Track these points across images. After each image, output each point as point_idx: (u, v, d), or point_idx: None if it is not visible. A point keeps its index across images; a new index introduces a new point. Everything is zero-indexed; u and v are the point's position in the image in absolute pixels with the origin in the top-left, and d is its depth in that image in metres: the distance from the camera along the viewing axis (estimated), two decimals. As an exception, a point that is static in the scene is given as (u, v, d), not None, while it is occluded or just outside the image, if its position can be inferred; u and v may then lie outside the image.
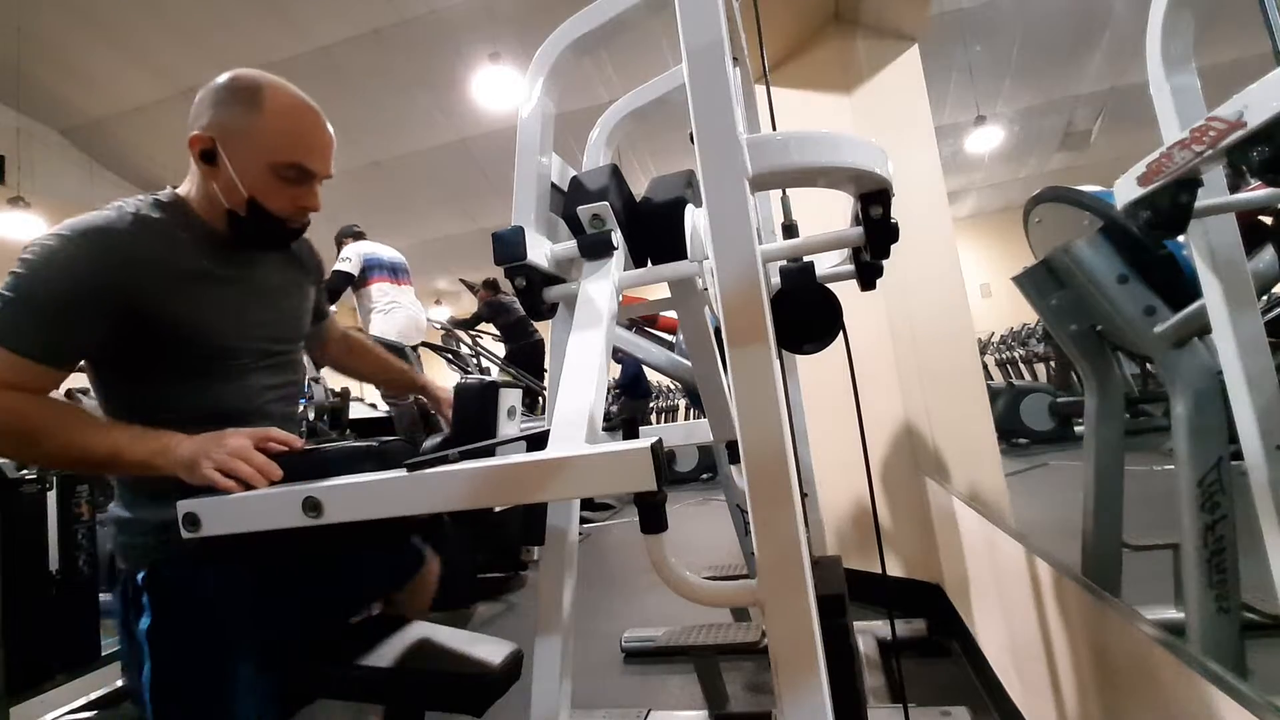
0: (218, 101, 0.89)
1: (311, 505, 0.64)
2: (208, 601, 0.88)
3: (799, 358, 1.76)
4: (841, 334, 0.96)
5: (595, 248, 0.83)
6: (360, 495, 0.65)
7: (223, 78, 0.90)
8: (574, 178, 0.92)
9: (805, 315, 0.93)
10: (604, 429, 0.78)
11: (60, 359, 0.83)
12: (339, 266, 3.69)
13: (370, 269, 3.73)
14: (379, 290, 3.72)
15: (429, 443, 0.92)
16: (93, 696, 2.48)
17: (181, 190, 0.95)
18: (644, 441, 0.57)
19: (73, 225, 0.83)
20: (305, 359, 1.18)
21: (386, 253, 3.87)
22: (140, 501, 0.93)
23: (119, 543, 0.93)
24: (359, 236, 3.99)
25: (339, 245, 3.86)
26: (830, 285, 0.97)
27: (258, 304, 0.98)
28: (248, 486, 0.73)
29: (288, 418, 1.07)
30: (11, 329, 0.79)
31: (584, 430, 0.64)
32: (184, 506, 0.69)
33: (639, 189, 0.94)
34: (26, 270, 0.80)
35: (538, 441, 0.74)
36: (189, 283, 0.89)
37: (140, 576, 0.89)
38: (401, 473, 0.63)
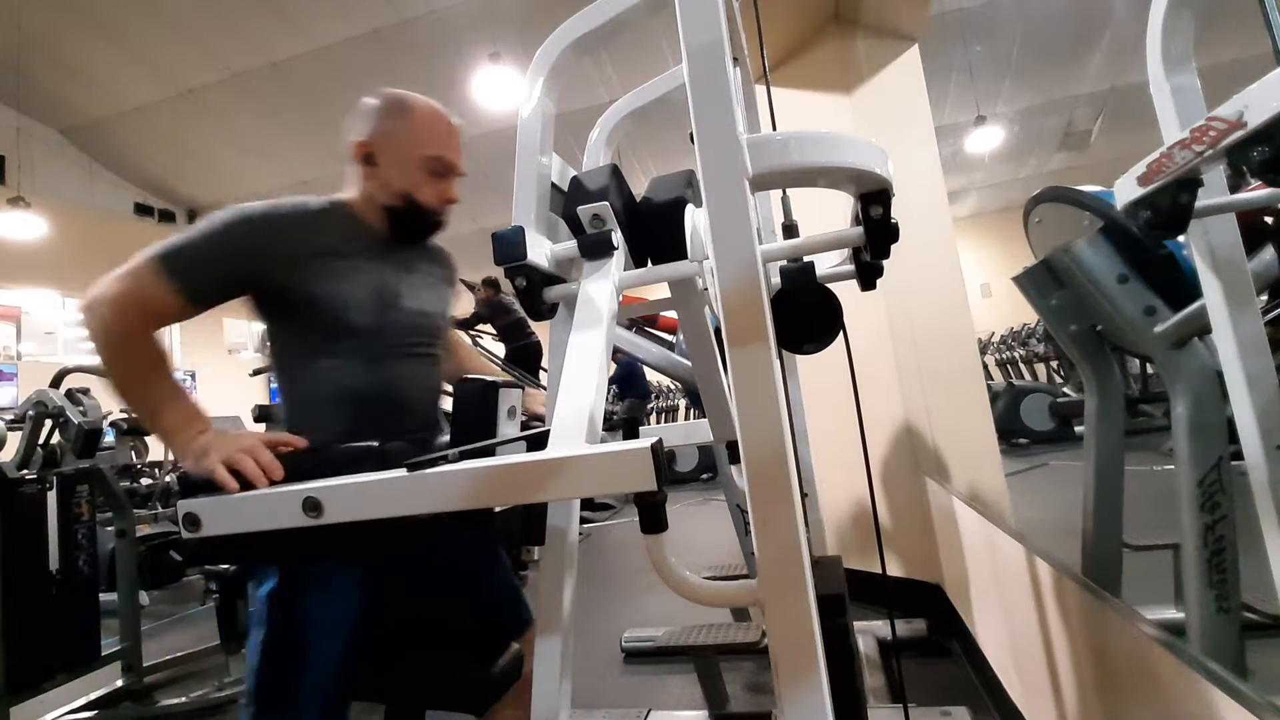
0: (373, 114, 1.05)
1: (311, 505, 0.64)
2: (327, 581, 0.94)
3: (799, 357, 1.76)
4: (842, 334, 0.96)
5: (595, 248, 0.83)
6: (360, 495, 0.65)
7: (374, 98, 1.07)
8: (574, 178, 0.92)
9: (805, 315, 0.93)
10: (604, 429, 0.78)
11: (197, 299, 0.94)
12: None
13: None
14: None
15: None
16: (93, 696, 2.48)
17: (343, 196, 1.09)
18: (644, 441, 0.57)
19: (248, 204, 0.98)
20: None
21: None
22: None
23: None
24: None
25: None
26: (830, 285, 0.97)
27: (406, 295, 1.06)
28: (248, 486, 0.74)
29: (426, 414, 1.08)
30: (179, 261, 0.93)
31: (584, 430, 0.64)
32: (184, 507, 0.69)
33: (639, 189, 0.94)
34: (205, 225, 0.95)
35: (538, 442, 0.74)
36: (338, 263, 0.99)
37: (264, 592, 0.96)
38: (401, 473, 0.63)
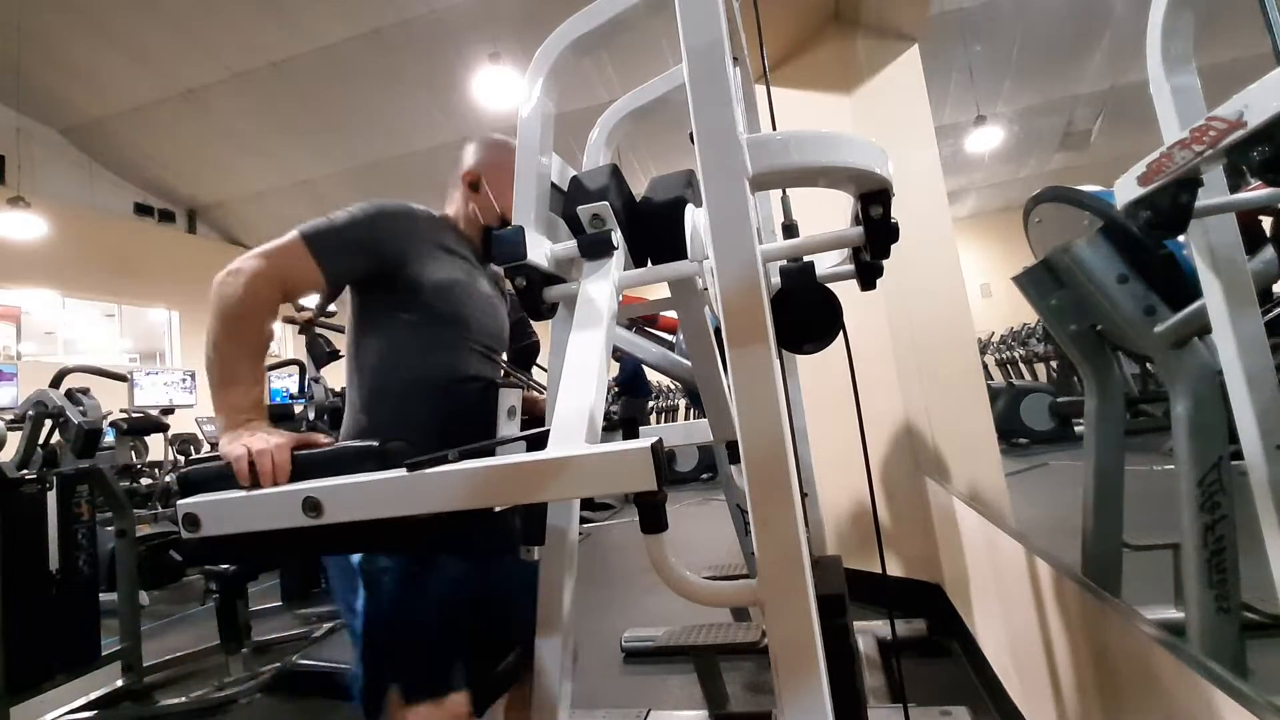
0: (481, 149, 1.21)
1: (311, 505, 0.64)
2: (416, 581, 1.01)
3: (799, 357, 1.76)
4: (842, 334, 0.96)
5: (595, 247, 0.83)
6: (360, 495, 0.65)
7: (483, 136, 1.24)
8: (574, 177, 0.92)
9: (805, 315, 0.93)
10: (604, 429, 0.78)
11: (335, 281, 1.04)
12: None
13: None
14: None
15: None
16: (93, 696, 2.48)
17: (448, 214, 1.24)
18: (644, 441, 0.57)
19: (381, 200, 1.10)
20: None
21: None
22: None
23: None
24: None
25: None
26: (830, 285, 0.97)
27: (483, 301, 1.19)
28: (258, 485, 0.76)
29: (477, 411, 1.13)
30: (326, 244, 1.02)
31: (584, 430, 0.64)
32: (183, 507, 0.69)
33: (639, 189, 0.94)
34: (346, 214, 1.04)
35: (538, 442, 0.74)
36: (445, 258, 1.12)
37: (357, 560, 1.02)
38: (401, 473, 0.63)
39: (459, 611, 1.04)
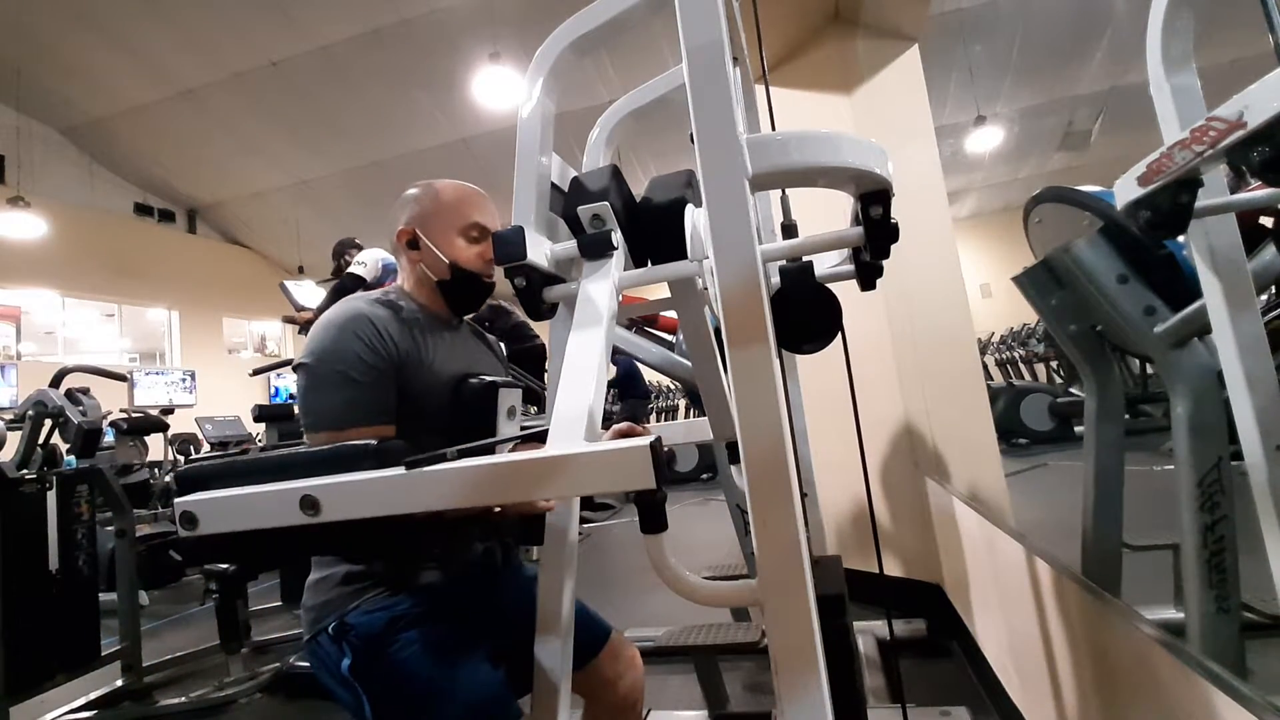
0: (407, 203, 1.13)
1: (309, 504, 0.64)
2: (400, 631, 0.95)
3: (799, 358, 1.76)
4: (840, 334, 0.96)
5: (595, 247, 0.83)
6: (358, 493, 0.64)
7: (405, 192, 1.15)
8: (574, 178, 0.92)
9: (805, 315, 0.93)
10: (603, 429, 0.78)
11: (391, 418, 0.99)
12: (354, 270, 3.76)
13: (388, 274, 3.84)
14: (382, 292, 3.82)
15: None
16: (92, 696, 2.48)
17: (401, 285, 1.17)
18: (642, 439, 0.57)
19: (331, 330, 1.00)
20: None
21: (393, 259, 3.93)
22: (326, 560, 1.02)
23: (311, 605, 1.00)
24: (359, 247, 4.08)
25: (341, 255, 3.95)
26: (830, 285, 0.97)
27: (465, 364, 1.13)
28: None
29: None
30: (356, 410, 0.96)
31: (583, 428, 0.64)
32: (181, 505, 0.69)
33: (639, 189, 0.94)
34: (332, 370, 0.97)
35: (538, 440, 0.74)
36: (427, 346, 1.06)
37: (331, 628, 0.96)
38: (399, 471, 0.63)
39: (476, 648, 0.98)
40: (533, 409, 2.87)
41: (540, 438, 0.69)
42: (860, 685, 1.94)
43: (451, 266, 1.10)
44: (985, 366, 7.11)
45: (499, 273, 1.11)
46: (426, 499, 0.62)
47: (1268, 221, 1.30)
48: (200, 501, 0.69)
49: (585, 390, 0.68)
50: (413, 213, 1.12)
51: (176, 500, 0.69)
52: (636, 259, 0.92)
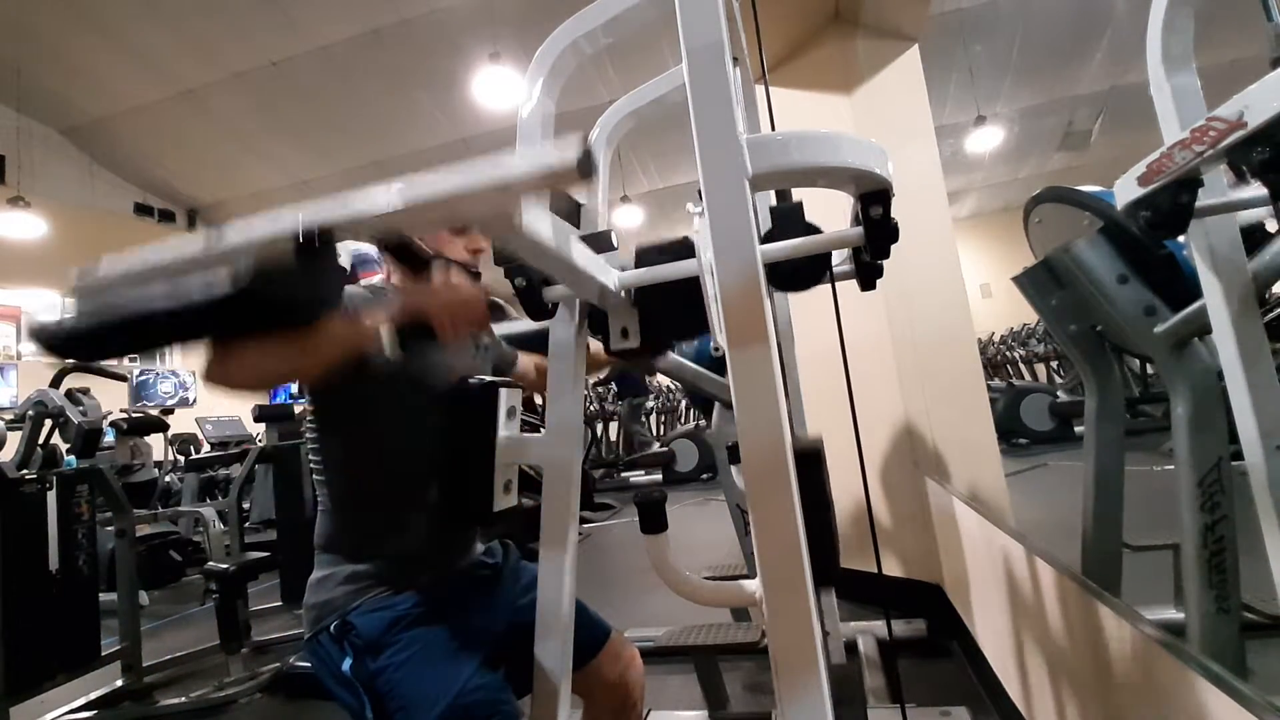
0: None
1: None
2: (402, 624, 0.95)
3: (799, 358, 1.76)
4: (839, 333, 0.95)
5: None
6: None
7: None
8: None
9: (793, 260, 0.90)
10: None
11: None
12: None
13: (359, 264, 3.88)
14: (366, 284, 3.88)
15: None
16: (92, 696, 2.48)
17: (386, 281, 1.17)
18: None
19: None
20: None
21: (365, 248, 3.97)
22: (329, 559, 1.02)
23: (312, 604, 1.00)
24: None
25: None
26: (829, 285, 0.96)
27: (451, 356, 1.11)
28: None
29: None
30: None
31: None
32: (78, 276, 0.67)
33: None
34: None
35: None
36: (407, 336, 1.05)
37: (333, 627, 0.96)
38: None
39: (478, 648, 0.98)
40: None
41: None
42: (860, 685, 1.94)
43: (437, 258, 1.10)
44: (985, 366, 7.11)
45: (499, 273, 1.10)
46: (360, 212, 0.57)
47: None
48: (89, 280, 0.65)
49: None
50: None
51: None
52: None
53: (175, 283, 0.63)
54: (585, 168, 0.49)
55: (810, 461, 0.72)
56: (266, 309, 0.66)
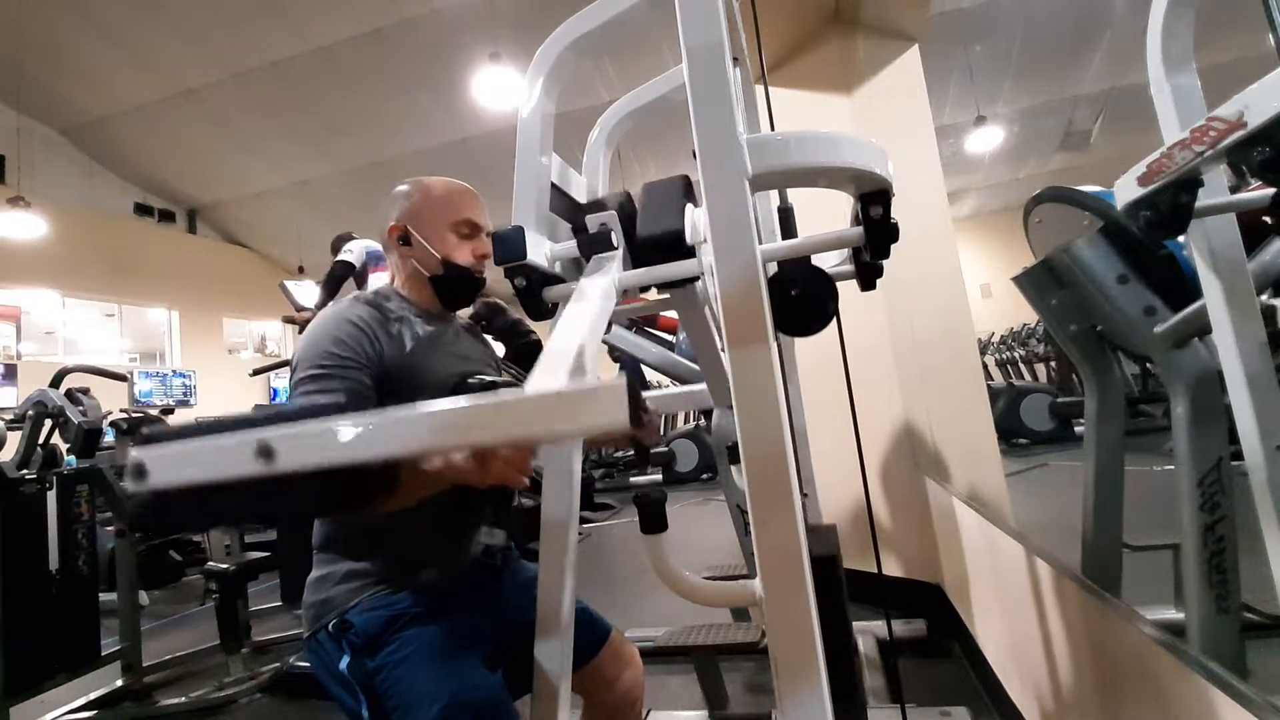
0: (398, 199, 1.13)
1: (264, 451, 0.58)
2: (398, 622, 0.96)
3: (799, 358, 1.76)
4: (838, 334, 0.95)
5: (595, 245, 0.83)
6: (315, 438, 0.58)
7: (397, 188, 1.15)
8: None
9: (801, 299, 0.91)
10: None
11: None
12: (342, 258, 3.90)
13: (371, 261, 3.96)
14: (377, 279, 3.93)
15: None
16: (92, 696, 2.48)
17: (391, 283, 1.17)
18: (618, 379, 0.53)
19: (326, 326, 1.01)
20: None
21: (377, 247, 4.06)
22: (328, 558, 1.02)
23: (311, 603, 1.00)
24: (354, 239, 4.22)
25: (337, 249, 4.08)
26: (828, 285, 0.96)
27: (459, 362, 1.13)
28: None
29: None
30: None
31: (569, 366, 0.59)
32: (131, 459, 0.63)
33: (639, 189, 0.94)
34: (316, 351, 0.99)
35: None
36: (417, 342, 1.07)
37: (332, 625, 0.96)
38: (359, 414, 0.59)
39: (474, 645, 0.98)
40: None
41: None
42: (860, 685, 1.94)
43: (444, 262, 1.10)
44: (985, 366, 7.11)
45: (498, 273, 1.10)
46: (388, 443, 0.58)
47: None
48: (150, 452, 0.64)
49: (577, 332, 0.64)
50: (403, 209, 1.12)
51: (130, 453, 0.65)
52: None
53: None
54: (636, 420, 0.50)
55: (827, 568, 0.69)
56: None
